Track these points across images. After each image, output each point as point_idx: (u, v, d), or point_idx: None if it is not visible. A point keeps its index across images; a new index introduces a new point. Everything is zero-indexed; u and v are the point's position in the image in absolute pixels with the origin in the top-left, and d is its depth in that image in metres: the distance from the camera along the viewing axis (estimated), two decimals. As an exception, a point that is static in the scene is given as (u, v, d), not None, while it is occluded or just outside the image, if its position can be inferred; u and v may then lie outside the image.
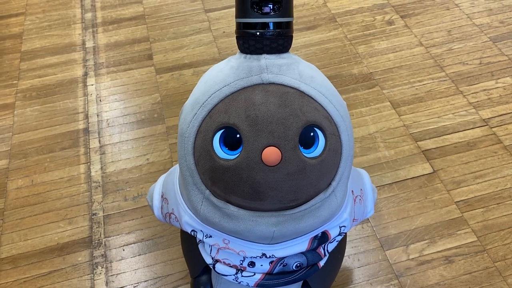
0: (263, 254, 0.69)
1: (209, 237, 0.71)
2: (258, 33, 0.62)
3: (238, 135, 0.60)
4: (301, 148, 0.61)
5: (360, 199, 0.81)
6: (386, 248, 1.15)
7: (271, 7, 0.62)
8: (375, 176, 1.29)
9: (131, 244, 1.18)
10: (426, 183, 1.27)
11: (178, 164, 0.71)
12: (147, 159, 1.38)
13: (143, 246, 1.18)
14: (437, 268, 1.11)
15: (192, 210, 0.69)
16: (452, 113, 1.45)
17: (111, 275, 1.13)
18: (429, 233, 1.17)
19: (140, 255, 1.16)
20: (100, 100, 1.57)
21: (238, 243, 0.69)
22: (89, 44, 1.79)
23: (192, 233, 0.72)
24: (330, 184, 0.65)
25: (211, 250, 0.74)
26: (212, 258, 0.74)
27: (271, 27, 0.62)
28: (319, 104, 0.63)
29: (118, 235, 1.21)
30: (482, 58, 1.62)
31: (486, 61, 1.61)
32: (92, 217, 1.25)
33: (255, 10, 0.62)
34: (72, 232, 1.22)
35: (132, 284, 1.11)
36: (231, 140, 0.61)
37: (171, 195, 0.77)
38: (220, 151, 0.61)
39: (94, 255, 1.17)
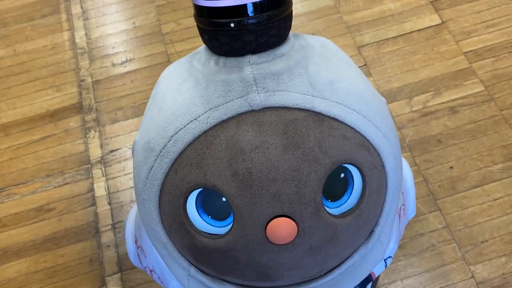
0: None
1: None
2: (232, 24, 0.37)
3: (224, 198, 0.39)
4: (327, 203, 0.40)
5: (403, 209, 0.60)
6: (389, 101, 1.10)
7: None
8: (379, 30, 1.20)
9: (123, 108, 1.14)
10: (434, 35, 1.18)
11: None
12: (133, 23, 1.28)
13: (136, 109, 1.14)
14: (441, 119, 1.06)
15: (178, 281, 0.49)
16: (466, -40, 1.31)
17: (105, 138, 1.10)
18: (434, 85, 1.11)
19: (133, 118, 1.13)
20: (78, -37, 1.43)
21: None
22: None
23: None
24: (372, 231, 0.45)
25: None
26: None
27: (254, 11, 0.36)
28: (349, 126, 0.40)
29: (108, 100, 1.16)
30: None
31: None
32: (81, 83, 1.19)
33: None
34: (61, 99, 1.17)
35: (127, 146, 1.09)
36: (215, 207, 0.40)
37: (147, 247, 0.56)
38: (200, 223, 0.40)
39: (85, 120, 1.13)
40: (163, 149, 0.40)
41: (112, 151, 1.08)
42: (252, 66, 0.38)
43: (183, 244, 0.43)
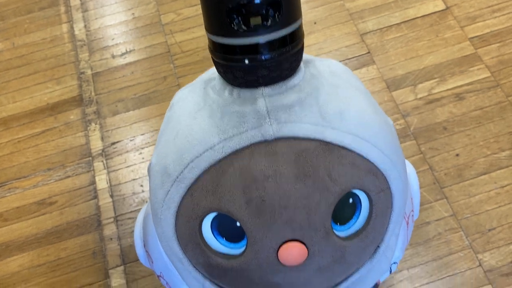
0: None
1: None
2: (247, 61, 0.38)
3: (238, 223, 0.41)
4: (336, 226, 0.42)
5: (412, 215, 0.61)
6: (393, 89, 1.08)
7: (264, 14, 0.36)
8: (382, 17, 1.18)
9: (123, 100, 1.13)
10: (438, 20, 1.16)
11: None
12: (133, 13, 1.26)
13: (137, 100, 1.12)
14: (447, 106, 1.05)
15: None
16: None
17: (106, 131, 1.09)
18: (439, 72, 1.09)
19: (134, 110, 1.11)
20: (76, -45, 1.42)
21: None
22: None
23: None
24: (378, 247, 0.47)
25: None
26: None
27: (267, 48, 0.37)
28: (358, 154, 0.41)
29: (109, 92, 1.15)
30: None
31: None
32: (80, 75, 1.18)
33: (236, 24, 0.36)
34: (61, 91, 1.16)
35: (128, 138, 1.08)
36: (229, 230, 0.42)
37: (155, 255, 0.57)
38: (215, 244, 0.42)
39: (86, 112, 1.12)
40: (180, 175, 0.42)
41: (113, 143, 1.07)
42: (265, 98, 0.40)
43: (198, 261, 0.45)
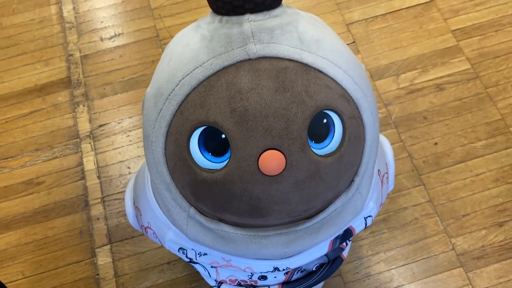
0: (275, 268, 0.57)
1: (203, 255, 0.57)
2: None
3: (223, 135, 0.45)
4: (312, 144, 0.46)
5: (387, 177, 0.66)
6: (376, 79, 1.11)
7: None
8: (368, 8, 1.21)
9: (111, 83, 1.14)
10: (422, 12, 1.19)
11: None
12: (122, -3, 1.27)
13: (125, 84, 1.14)
14: (427, 96, 1.08)
15: (176, 226, 0.55)
16: None
17: (94, 113, 1.10)
18: (422, 62, 1.12)
19: (122, 93, 1.13)
20: None
21: (242, 260, 0.56)
22: None
23: (181, 252, 0.58)
24: (352, 180, 0.51)
25: (209, 272, 0.62)
26: (216, 280, 0.63)
27: None
28: (331, 78, 0.47)
29: (97, 74, 1.16)
30: None
31: None
32: (69, 57, 1.18)
33: None
34: (49, 73, 1.17)
35: (115, 121, 1.09)
36: (215, 144, 0.46)
37: (144, 205, 0.62)
38: (201, 159, 0.47)
39: (74, 94, 1.13)
40: (171, 92, 0.47)
41: (101, 125, 1.09)
42: (250, 22, 0.46)
43: (185, 182, 0.49)
